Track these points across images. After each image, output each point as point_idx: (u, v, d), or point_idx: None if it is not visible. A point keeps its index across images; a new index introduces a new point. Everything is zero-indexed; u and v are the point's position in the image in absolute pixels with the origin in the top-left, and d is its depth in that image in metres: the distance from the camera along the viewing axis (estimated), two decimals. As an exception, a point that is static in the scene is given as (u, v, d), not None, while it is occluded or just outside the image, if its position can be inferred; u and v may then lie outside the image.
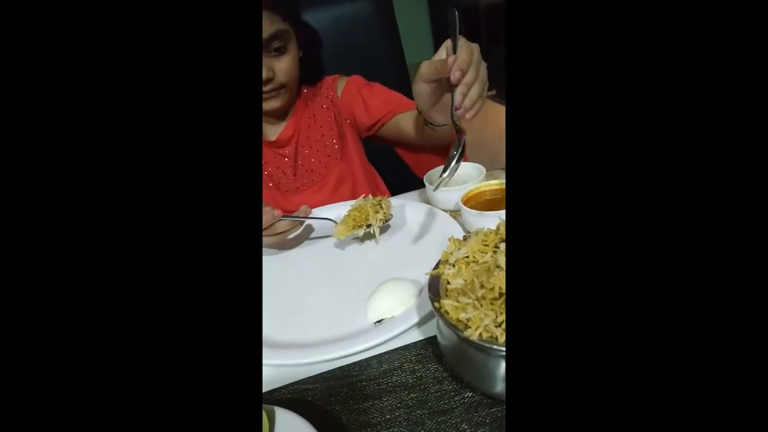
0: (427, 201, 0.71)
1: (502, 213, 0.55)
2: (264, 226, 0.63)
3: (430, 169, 0.74)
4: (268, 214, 0.63)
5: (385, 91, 0.89)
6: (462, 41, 0.54)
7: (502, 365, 0.35)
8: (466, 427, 0.37)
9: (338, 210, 0.71)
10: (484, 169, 0.69)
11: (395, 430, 0.37)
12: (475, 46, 0.55)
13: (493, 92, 3.75)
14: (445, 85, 0.59)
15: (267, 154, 0.90)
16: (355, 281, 0.57)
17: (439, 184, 0.54)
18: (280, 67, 0.80)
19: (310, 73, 0.91)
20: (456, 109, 0.53)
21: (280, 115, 0.90)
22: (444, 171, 0.54)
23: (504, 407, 0.37)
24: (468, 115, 0.54)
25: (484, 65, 0.56)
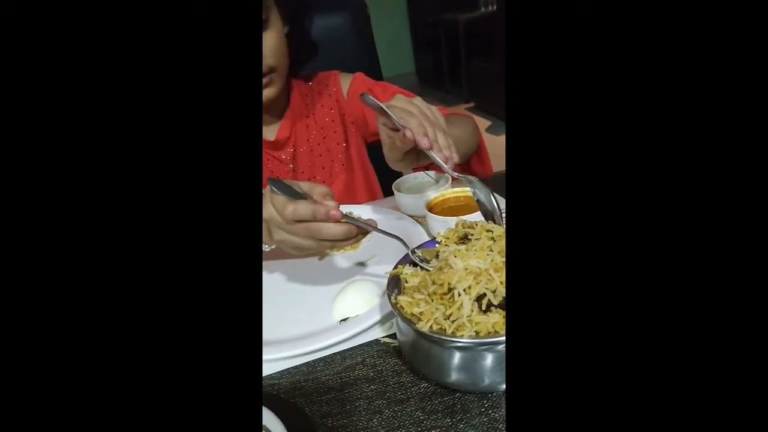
0: (396, 207, 0.74)
1: (463, 217, 0.58)
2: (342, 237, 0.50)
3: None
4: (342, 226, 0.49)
5: (399, 90, 0.78)
6: (404, 108, 0.56)
7: (454, 356, 0.38)
8: (420, 414, 0.39)
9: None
10: (450, 178, 0.72)
11: (354, 418, 0.40)
12: (411, 102, 0.57)
13: (472, 104, 3.84)
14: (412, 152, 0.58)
15: (264, 155, 0.80)
16: (322, 281, 0.59)
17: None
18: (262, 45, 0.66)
19: (301, 53, 0.77)
20: (446, 163, 0.55)
21: (276, 109, 0.79)
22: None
23: (456, 395, 0.40)
24: (455, 160, 0.55)
25: (432, 108, 0.58)
